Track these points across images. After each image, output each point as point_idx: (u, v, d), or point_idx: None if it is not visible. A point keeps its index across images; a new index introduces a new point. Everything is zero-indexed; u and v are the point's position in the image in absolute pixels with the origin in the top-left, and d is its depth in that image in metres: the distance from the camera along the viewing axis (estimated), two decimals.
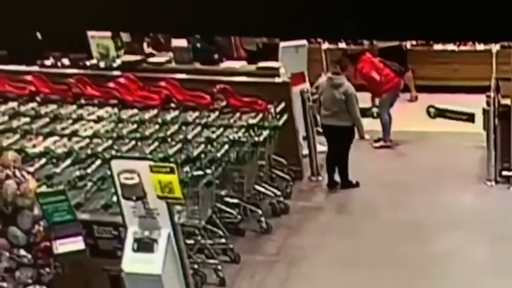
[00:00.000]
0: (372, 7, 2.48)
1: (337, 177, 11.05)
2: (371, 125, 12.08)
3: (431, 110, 12.92)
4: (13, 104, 10.22)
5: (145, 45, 13.30)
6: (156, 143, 9.14)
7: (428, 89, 13.89)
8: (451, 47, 13.96)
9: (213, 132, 9.42)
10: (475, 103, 11.48)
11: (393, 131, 12.22)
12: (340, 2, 2.51)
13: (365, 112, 12.28)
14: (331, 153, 11.03)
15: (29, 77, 10.66)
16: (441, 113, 12.76)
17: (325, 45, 14.04)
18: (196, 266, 8.64)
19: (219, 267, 8.86)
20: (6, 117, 9.89)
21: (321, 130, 11.21)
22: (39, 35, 12.44)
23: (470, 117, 12.06)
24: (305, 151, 11.32)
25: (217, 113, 9.93)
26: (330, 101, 10.71)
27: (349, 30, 2.64)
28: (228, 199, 9.54)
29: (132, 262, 7.59)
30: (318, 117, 11.16)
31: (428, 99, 13.58)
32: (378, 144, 12.22)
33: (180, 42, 12.27)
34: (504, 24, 2.38)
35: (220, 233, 9.14)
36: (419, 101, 13.84)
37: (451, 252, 9.16)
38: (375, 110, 12.46)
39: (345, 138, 10.79)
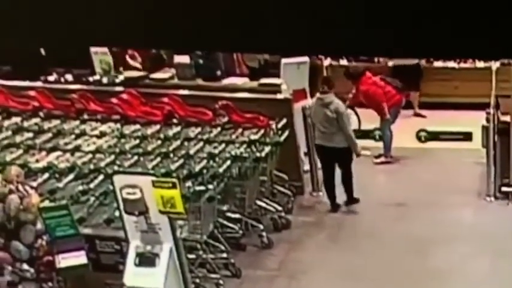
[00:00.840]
0: (372, 23, 2.52)
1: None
2: (372, 142, 12.18)
3: (422, 134, 12.88)
4: (16, 119, 10.28)
5: (127, 56, 13.26)
6: (159, 158, 9.20)
7: (428, 106, 13.93)
8: (451, 64, 13.99)
9: (215, 147, 9.47)
10: (474, 120, 11.51)
11: (394, 147, 12.24)
12: (339, 18, 2.55)
13: (367, 134, 12.33)
14: (328, 176, 10.88)
15: (32, 93, 10.72)
16: (433, 136, 12.75)
17: (327, 62, 14.06)
18: (197, 281, 8.67)
19: (221, 281, 8.88)
20: (9, 132, 9.94)
21: None
22: (42, 51, 12.51)
23: (467, 136, 12.10)
24: (306, 167, 11.34)
25: (219, 128, 9.99)
26: (323, 121, 10.57)
27: (346, 47, 2.68)
28: (229, 214, 9.57)
29: (134, 276, 7.63)
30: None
31: (430, 115, 13.66)
32: (378, 160, 12.23)
33: (183, 59, 12.33)
34: (504, 42, 2.41)
35: (222, 247, 9.17)
36: (419, 118, 13.87)
37: (451, 267, 9.19)
38: (377, 132, 12.48)
39: (345, 159, 10.71)
